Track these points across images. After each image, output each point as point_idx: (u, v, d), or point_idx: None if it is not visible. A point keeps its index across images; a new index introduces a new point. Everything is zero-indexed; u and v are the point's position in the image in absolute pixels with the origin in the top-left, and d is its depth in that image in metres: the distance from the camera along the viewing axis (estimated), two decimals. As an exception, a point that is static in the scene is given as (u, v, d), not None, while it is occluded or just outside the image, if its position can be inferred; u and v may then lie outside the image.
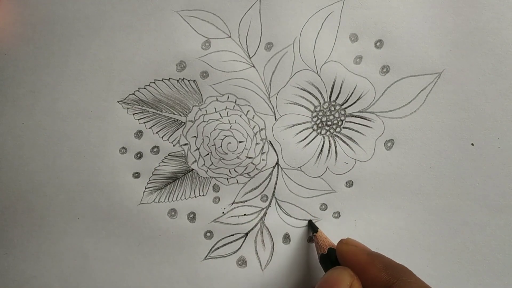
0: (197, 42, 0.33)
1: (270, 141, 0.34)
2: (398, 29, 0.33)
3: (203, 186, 0.35)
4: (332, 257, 0.30)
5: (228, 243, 0.35)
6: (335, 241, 0.32)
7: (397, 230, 0.35)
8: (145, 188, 0.34)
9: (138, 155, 0.34)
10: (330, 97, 0.34)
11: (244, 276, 0.35)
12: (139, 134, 0.34)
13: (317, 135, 0.34)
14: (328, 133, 0.34)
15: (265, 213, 0.35)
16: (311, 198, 0.35)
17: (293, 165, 0.35)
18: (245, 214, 0.35)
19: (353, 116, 0.34)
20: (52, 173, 0.34)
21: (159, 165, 0.34)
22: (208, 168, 0.34)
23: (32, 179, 0.34)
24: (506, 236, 0.35)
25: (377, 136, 0.34)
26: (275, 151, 0.34)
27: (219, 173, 0.35)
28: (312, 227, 0.34)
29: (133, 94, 0.34)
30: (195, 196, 0.35)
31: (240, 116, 0.34)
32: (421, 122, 0.34)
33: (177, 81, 0.34)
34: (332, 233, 0.35)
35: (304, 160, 0.34)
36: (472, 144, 0.34)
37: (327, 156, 0.35)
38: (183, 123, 0.34)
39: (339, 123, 0.34)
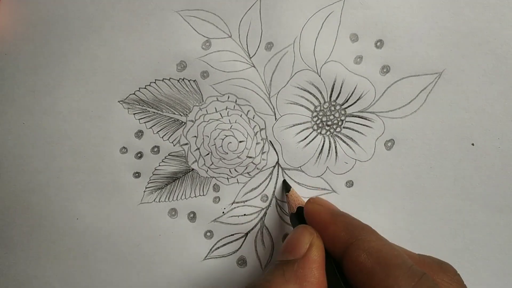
0: (197, 42, 0.33)
1: (270, 141, 0.34)
2: (399, 29, 0.33)
3: (203, 186, 0.35)
4: (300, 216, 0.30)
5: (228, 243, 0.35)
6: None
7: (397, 231, 0.35)
8: (146, 188, 0.34)
9: (139, 155, 0.34)
10: (330, 97, 0.34)
11: (244, 276, 0.35)
12: (139, 134, 0.34)
13: (317, 135, 0.34)
14: (328, 133, 0.34)
15: (265, 213, 0.35)
16: (311, 198, 0.35)
17: (293, 165, 0.35)
18: (245, 214, 0.35)
19: (353, 116, 0.34)
20: (52, 173, 0.34)
21: (159, 165, 0.34)
22: (208, 168, 0.34)
23: (32, 179, 0.34)
24: (506, 236, 0.35)
25: (377, 136, 0.34)
26: (276, 151, 0.34)
27: (219, 173, 0.35)
28: (285, 187, 0.34)
29: (134, 94, 0.34)
30: (195, 196, 0.35)
31: (241, 116, 0.34)
32: (422, 122, 0.34)
33: (178, 81, 0.34)
34: (332, 233, 0.35)
35: (304, 160, 0.34)
36: (473, 144, 0.34)
37: (327, 156, 0.35)
38: (183, 123, 0.34)
39: (339, 123, 0.34)
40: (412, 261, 0.24)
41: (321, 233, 0.27)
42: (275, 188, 0.35)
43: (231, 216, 0.35)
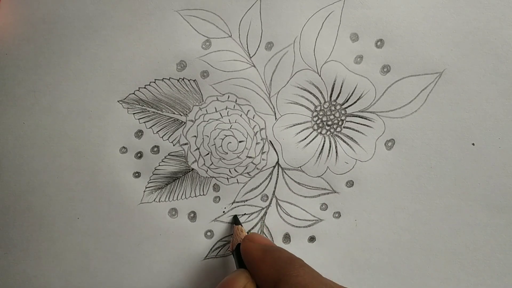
0: (197, 41, 0.33)
1: (270, 141, 0.34)
2: (399, 28, 0.33)
3: (204, 186, 0.35)
4: (238, 254, 0.29)
5: (229, 242, 0.35)
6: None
7: (397, 230, 0.35)
8: (146, 188, 0.34)
9: (138, 155, 0.34)
10: (331, 96, 0.34)
11: (244, 276, 0.35)
12: (139, 133, 0.34)
13: (317, 134, 0.34)
14: (328, 132, 0.34)
15: (265, 212, 0.35)
16: (312, 198, 0.35)
17: (294, 164, 0.35)
18: (245, 214, 0.35)
19: (353, 115, 0.34)
20: (52, 173, 0.34)
21: (159, 165, 0.34)
22: (208, 167, 0.34)
23: (32, 179, 0.34)
24: (506, 236, 0.35)
25: (378, 136, 0.34)
26: (276, 151, 0.34)
27: (219, 173, 0.34)
28: (234, 221, 0.34)
29: (133, 93, 0.34)
30: (195, 196, 0.35)
31: (241, 115, 0.34)
32: (422, 122, 0.34)
33: (178, 80, 0.34)
34: (333, 233, 0.35)
35: (304, 160, 0.34)
36: (473, 144, 0.34)
37: (328, 156, 0.35)
38: (183, 123, 0.34)
39: (340, 123, 0.34)
40: None
41: (253, 271, 0.27)
42: (275, 188, 0.35)
43: (232, 216, 0.35)
